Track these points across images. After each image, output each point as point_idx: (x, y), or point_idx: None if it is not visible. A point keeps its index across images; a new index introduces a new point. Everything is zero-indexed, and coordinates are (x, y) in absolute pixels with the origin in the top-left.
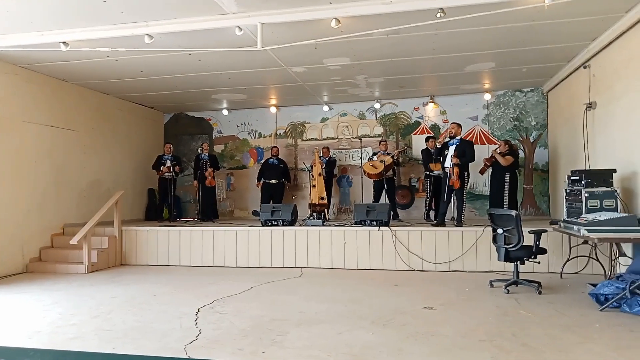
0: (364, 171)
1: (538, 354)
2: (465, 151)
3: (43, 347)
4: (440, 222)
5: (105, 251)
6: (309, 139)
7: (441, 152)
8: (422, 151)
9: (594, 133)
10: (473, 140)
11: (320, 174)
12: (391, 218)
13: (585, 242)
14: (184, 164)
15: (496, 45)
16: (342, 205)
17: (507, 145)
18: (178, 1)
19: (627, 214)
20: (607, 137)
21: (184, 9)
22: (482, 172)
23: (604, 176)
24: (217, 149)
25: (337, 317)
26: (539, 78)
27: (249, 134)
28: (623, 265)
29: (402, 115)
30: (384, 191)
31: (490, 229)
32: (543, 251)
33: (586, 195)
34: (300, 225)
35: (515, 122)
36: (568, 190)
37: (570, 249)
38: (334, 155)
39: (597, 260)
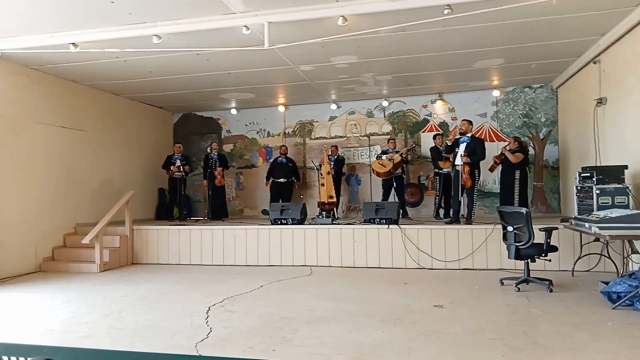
0: (373, 169)
1: (549, 352)
2: (476, 149)
3: (56, 345)
4: (456, 219)
5: (117, 250)
6: (318, 138)
7: (452, 149)
8: (431, 149)
9: (605, 129)
10: (482, 138)
11: (329, 173)
12: (400, 216)
13: (597, 240)
14: (194, 164)
15: (504, 41)
16: (351, 204)
17: (516, 143)
18: (185, 1)
19: (639, 211)
20: (618, 133)
21: (192, 9)
22: (491, 169)
23: (615, 172)
24: (226, 149)
25: (346, 315)
26: (548, 74)
27: (257, 133)
28: (636, 262)
29: (411, 113)
30: (393, 189)
31: (500, 226)
32: (554, 249)
33: (597, 192)
34: (309, 224)
35: (525, 119)
36: (579, 187)
37: (581, 246)
38: (343, 154)
39: (609, 257)
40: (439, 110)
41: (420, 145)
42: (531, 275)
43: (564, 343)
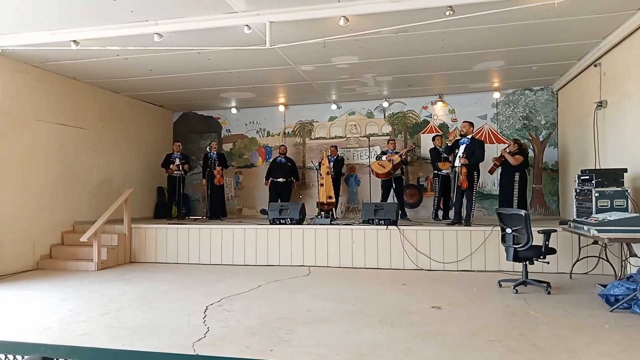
0: (372, 170)
1: (547, 354)
2: (475, 151)
3: (53, 343)
4: (457, 220)
5: (115, 249)
6: (317, 138)
7: (452, 150)
8: (431, 150)
9: (605, 132)
10: (482, 139)
11: (328, 173)
12: (399, 217)
13: (595, 243)
14: (193, 163)
15: (505, 44)
16: (350, 204)
17: (516, 145)
18: (187, 0)
19: (638, 214)
20: (618, 136)
21: (193, 8)
22: (491, 171)
23: (614, 175)
24: (226, 148)
25: (344, 315)
26: (548, 76)
27: (257, 132)
28: (634, 265)
29: (411, 114)
30: (392, 190)
31: (499, 228)
32: (552, 251)
33: (596, 194)
34: (308, 224)
35: (525, 121)
36: (578, 190)
37: (579, 249)
38: (342, 154)
39: (607, 260)
40: (439, 111)
41: (419, 147)
42: (529, 277)
43: (561, 345)
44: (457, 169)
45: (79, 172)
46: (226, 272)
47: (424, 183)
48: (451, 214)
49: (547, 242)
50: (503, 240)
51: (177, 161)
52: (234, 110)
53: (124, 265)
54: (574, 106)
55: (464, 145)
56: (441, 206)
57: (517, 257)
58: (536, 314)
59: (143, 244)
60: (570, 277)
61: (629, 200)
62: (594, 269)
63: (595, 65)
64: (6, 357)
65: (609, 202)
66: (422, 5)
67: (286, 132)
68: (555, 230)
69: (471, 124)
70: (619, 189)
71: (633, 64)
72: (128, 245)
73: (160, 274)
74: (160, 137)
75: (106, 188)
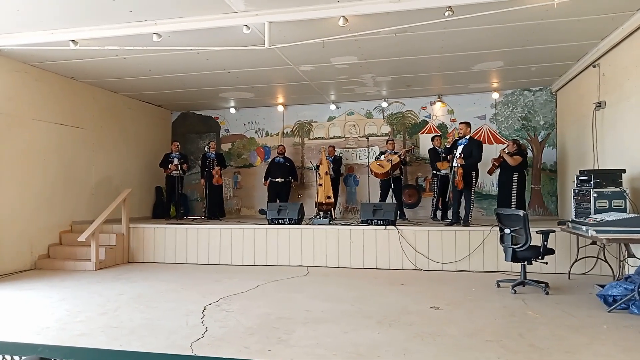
0: (371, 170)
1: (545, 354)
2: (473, 151)
3: (51, 343)
4: (455, 221)
5: (113, 249)
6: (316, 138)
7: (451, 151)
8: (429, 150)
9: (603, 133)
10: (481, 140)
11: (327, 173)
12: (398, 217)
13: (594, 243)
14: (191, 162)
15: (505, 44)
16: (348, 204)
17: (515, 145)
18: (186, 0)
19: (636, 215)
20: (616, 137)
21: (192, 8)
22: (490, 172)
23: (613, 176)
24: (225, 148)
25: (343, 316)
26: (547, 77)
27: (256, 132)
28: (631, 266)
29: (410, 114)
30: (390, 190)
31: (497, 228)
32: (551, 251)
33: (595, 195)
34: (306, 224)
35: (524, 122)
36: (576, 190)
37: (578, 249)
38: (341, 154)
39: (606, 261)
40: (438, 112)
41: (418, 147)
42: (528, 278)
43: (560, 346)
44: (454, 169)
45: (77, 172)
46: (224, 272)
47: (422, 183)
48: (450, 214)
49: (545, 243)
50: (501, 240)
51: (176, 161)
52: (232, 110)
53: (122, 265)
54: (572, 107)
55: (462, 146)
56: (440, 206)
57: (515, 258)
58: (534, 314)
59: (141, 244)
60: (569, 278)
61: (627, 200)
62: (592, 269)
63: (594, 66)
64: (4, 357)
65: (608, 203)
66: (421, 6)
67: (285, 132)
68: (554, 231)
69: (468, 125)
70: (618, 189)
71: (632, 65)
72: (126, 245)
73: (158, 274)
74: (159, 136)
75: (104, 188)
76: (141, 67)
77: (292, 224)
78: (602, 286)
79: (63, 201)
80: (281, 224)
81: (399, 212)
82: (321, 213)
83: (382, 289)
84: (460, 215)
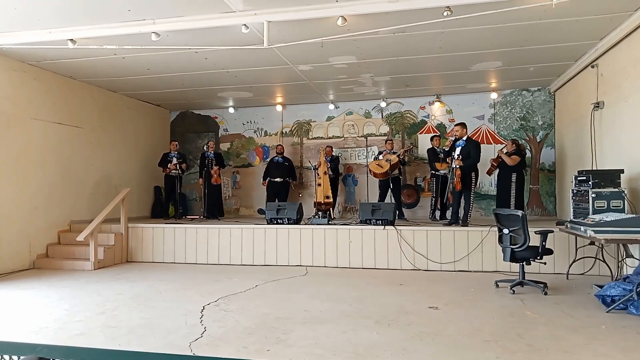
0: (370, 170)
1: (543, 354)
2: (471, 152)
3: (49, 343)
4: (454, 221)
5: (112, 248)
6: (315, 138)
7: (450, 154)
8: (428, 150)
9: (602, 133)
10: (479, 140)
11: (325, 173)
12: (396, 217)
13: (592, 243)
14: (190, 162)
15: (503, 44)
16: (347, 204)
17: (514, 145)
18: None
19: (634, 215)
20: (614, 137)
21: (191, 7)
22: (489, 172)
23: (611, 176)
24: (223, 147)
25: (341, 316)
26: (546, 77)
27: (254, 132)
28: (630, 266)
29: (408, 114)
30: (389, 190)
31: (496, 229)
32: (549, 252)
33: (593, 195)
34: (305, 224)
35: (522, 122)
36: (575, 191)
37: (576, 249)
38: (339, 154)
39: (604, 261)
40: (437, 111)
41: (417, 147)
42: (526, 278)
43: (558, 346)
44: (453, 170)
45: (76, 171)
46: (223, 272)
47: (421, 183)
48: (448, 214)
49: (544, 243)
50: (500, 240)
51: (175, 160)
52: (231, 110)
53: (121, 264)
54: (571, 107)
55: (460, 147)
56: (438, 206)
57: (514, 258)
58: (533, 314)
59: (140, 244)
60: (567, 278)
61: (625, 201)
62: (590, 269)
63: (593, 66)
64: (2, 357)
65: (606, 203)
66: (420, 6)
67: (284, 131)
68: (552, 231)
69: (464, 126)
70: (616, 189)
71: (630, 65)
72: (125, 244)
73: (157, 273)
74: (158, 136)
75: (103, 187)
76: (140, 67)
77: (291, 224)
78: (601, 286)
79: (61, 200)
80: (280, 223)
81: (397, 212)
82: (320, 213)
83: (381, 289)
84: (459, 215)
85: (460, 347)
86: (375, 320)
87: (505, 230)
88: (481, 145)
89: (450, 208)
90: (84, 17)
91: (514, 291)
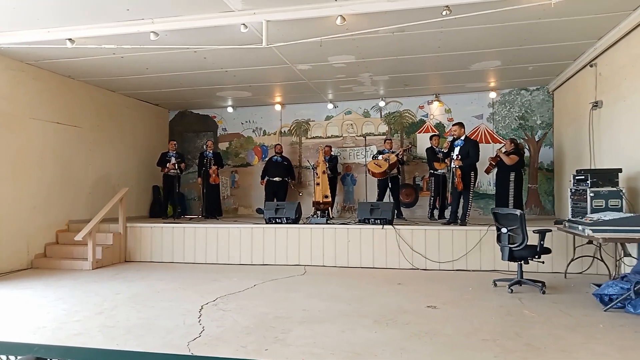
0: (368, 169)
1: (541, 353)
2: (469, 151)
3: (47, 343)
4: (453, 220)
5: (110, 248)
6: (314, 137)
7: (448, 154)
8: (427, 150)
9: (600, 132)
10: (478, 139)
11: (324, 172)
12: (395, 217)
13: (590, 242)
14: (189, 161)
15: (502, 44)
16: (346, 204)
17: (512, 144)
18: None
19: (632, 214)
20: (613, 136)
21: (190, 6)
22: (487, 171)
23: (609, 176)
24: (222, 147)
25: (340, 315)
26: (544, 77)
27: (253, 131)
28: (628, 265)
29: (407, 114)
30: (388, 190)
31: (494, 228)
32: (547, 251)
33: (591, 194)
34: (304, 224)
35: (521, 121)
36: (573, 190)
37: (574, 248)
38: (338, 153)
39: (602, 260)
40: (435, 111)
41: (416, 146)
42: (524, 277)
43: (556, 345)
44: (453, 170)
45: (74, 171)
46: (222, 271)
47: (420, 182)
48: (447, 213)
49: (542, 242)
50: (498, 239)
51: (173, 160)
52: (230, 109)
53: (119, 264)
54: (569, 106)
55: (459, 147)
56: (437, 206)
57: (512, 257)
58: (531, 313)
59: (138, 243)
60: (565, 277)
61: (623, 200)
62: (588, 268)
63: (591, 66)
64: None
65: (604, 202)
66: (418, 5)
67: (282, 131)
68: (550, 230)
69: (462, 126)
70: (614, 189)
71: (629, 65)
72: (123, 244)
73: (155, 273)
74: (156, 136)
75: (101, 187)
76: (138, 66)
77: (290, 223)
78: (599, 285)
79: (60, 200)
80: (278, 223)
81: (396, 212)
82: (318, 212)
83: (379, 288)
84: (458, 214)
85: (459, 346)
86: (374, 319)
87: (504, 230)
88: (480, 144)
89: (449, 207)
90: (83, 16)
91: (512, 290)
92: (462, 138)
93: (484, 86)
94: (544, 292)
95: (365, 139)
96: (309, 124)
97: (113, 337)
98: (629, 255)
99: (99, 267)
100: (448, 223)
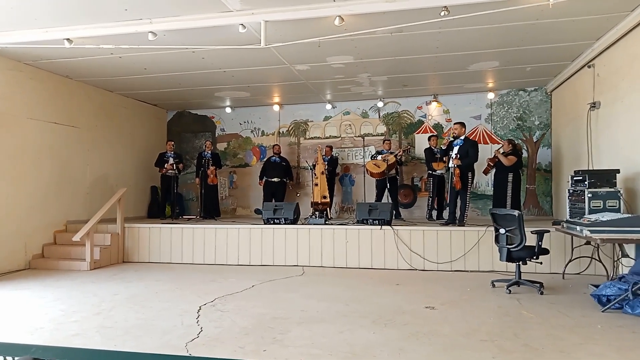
0: (367, 170)
1: (539, 354)
2: (468, 151)
3: (45, 344)
4: (451, 221)
5: (108, 248)
6: (312, 138)
7: (447, 153)
8: (425, 150)
9: (598, 133)
10: (476, 140)
11: (322, 173)
12: (393, 217)
13: (588, 243)
14: (187, 162)
15: (500, 44)
16: (344, 204)
17: (510, 145)
18: None
19: (630, 215)
20: (610, 137)
21: (188, 6)
22: (485, 172)
23: (607, 176)
24: (220, 147)
25: (338, 316)
26: (542, 77)
27: (251, 132)
28: (625, 266)
29: (405, 114)
30: (386, 190)
31: (492, 228)
32: (545, 251)
33: (589, 195)
34: (302, 224)
35: (519, 122)
36: (571, 191)
37: (572, 249)
38: (337, 154)
39: (600, 261)
40: (434, 111)
41: (414, 147)
42: (522, 278)
43: (554, 345)
44: (451, 170)
45: (72, 171)
46: (220, 272)
47: (418, 183)
48: (445, 214)
49: (540, 243)
50: (496, 240)
51: (171, 160)
52: (228, 110)
53: (117, 265)
54: (567, 107)
55: (458, 146)
56: (435, 206)
57: (510, 258)
58: (529, 314)
59: (136, 244)
60: (563, 278)
61: (621, 201)
62: (586, 269)
63: (589, 66)
64: None
65: (602, 203)
66: (417, 6)
67: (281, 131)
68: (549, 231)
69: (463, 125)
70: (612, 189)
71: (627, 65)
72: (121, 244)
73: (153, 273)
74: (154, 136)
75: (99, 187)
76: (136, 66)
77: (288, 224)
78: (596, 286)
79: (57, 200)
80: (277, 223)
81: (394, 212)
82: (317, 213)
83: (378, 289)
84: (456, 215)
85: (457, 346)
86: (372, 320)
87: (502, 230)
88: (478, 145)
89: (448, 208)
90: (81, 16)
91: (510, 291)
92: (462, 138)
93: (482, 87)
94: (542, 293)
95: (364, 140)
96: (308, 125)
97: (111, 337)
98: (627, 256)
99: (97, 268)
100: (446, 224)
